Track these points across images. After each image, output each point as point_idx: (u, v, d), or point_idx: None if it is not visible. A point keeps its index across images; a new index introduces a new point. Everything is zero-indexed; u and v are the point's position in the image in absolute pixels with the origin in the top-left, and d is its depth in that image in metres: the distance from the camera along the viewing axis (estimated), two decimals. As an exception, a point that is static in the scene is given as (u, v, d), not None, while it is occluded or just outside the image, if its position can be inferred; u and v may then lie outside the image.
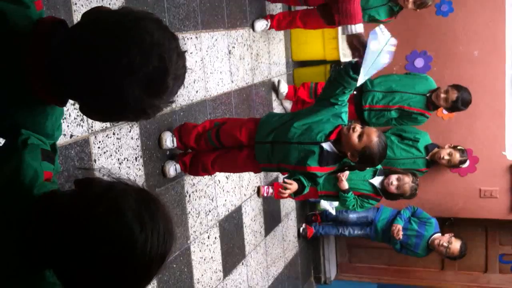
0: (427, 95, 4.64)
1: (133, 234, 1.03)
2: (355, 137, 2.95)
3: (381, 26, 3.04)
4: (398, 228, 5.03)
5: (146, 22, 1.10)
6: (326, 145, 3.04)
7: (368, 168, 4.06)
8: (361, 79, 2.93)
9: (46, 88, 1.16)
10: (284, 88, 5.13)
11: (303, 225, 5.86)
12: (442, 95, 4.56)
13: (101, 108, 1.14)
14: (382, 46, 2.94)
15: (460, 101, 4.57)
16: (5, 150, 1.21)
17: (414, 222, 5.10)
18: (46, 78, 1.14)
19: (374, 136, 2.96)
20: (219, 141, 3.39)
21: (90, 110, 1.17)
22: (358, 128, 2.98)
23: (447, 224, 5.96)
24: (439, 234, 5.02)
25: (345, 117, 3.13)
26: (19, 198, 1.12)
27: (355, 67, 2.95)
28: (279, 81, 5.12)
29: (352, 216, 5.49)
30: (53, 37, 1.14)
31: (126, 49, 1.05)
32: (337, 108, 3.11)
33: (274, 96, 5.14)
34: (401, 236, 5.00)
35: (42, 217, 1.07)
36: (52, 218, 1.06)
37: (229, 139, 3.35)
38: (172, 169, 3.51)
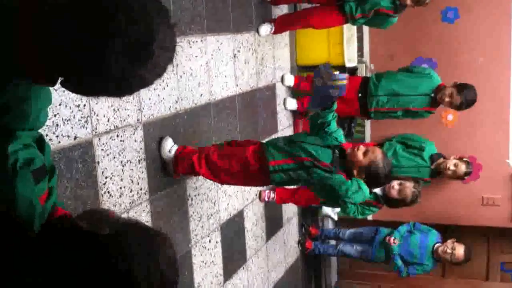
0: (431, 95, 4.61)
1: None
2: (360, 153, 3.02)
3: (326, 65, 3.22)
4: (394, 237, 5.02)
5: None
6: (337, 153, 3.10)
7: None
8: (312, 109, 3.13)
9: (34, 59, 1.08)
10: (289, 81, 5.15)
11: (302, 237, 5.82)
12: (447, 99, 4.49)
13: (82, 75, 1.07)
14: (326, 81, 3.13)
15: (465, 104, 4.52)
16: None
17: (415, 235, 5.04)
18: (32, 47, 1.07)
19: (378, 152, 3.04)
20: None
21: (71, 80, 1.11)
22: (362, 147, 3.06)
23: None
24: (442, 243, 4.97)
25: (341, 138, 3.21)
26: (15, 238, 1.09)
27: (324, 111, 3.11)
28: (283, 76, 5.14)
29: (349, 231, 5.46)
30: (41, 6, 1.07)
31: (111, 11, 1.02)
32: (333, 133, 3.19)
33: (278, 101, 5.13)
34: (396, 242, 4.97)
35: (48, 257, 1.07)
36: (61, 259, 1.06)
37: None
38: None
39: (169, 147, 3.40)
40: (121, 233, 1.09)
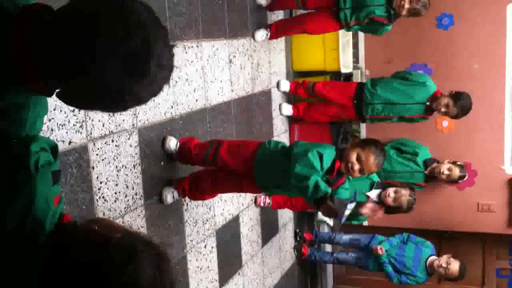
0: (427, 103, 4.62)
1: None
2: (356, 174, 3.07)
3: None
4: (380, 246, 4.99)
5: (135, 4, 1.08)
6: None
7: (364, 181, 4.15)
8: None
9: (32, 69, 1.12)
10: (284, 87, 5.16)
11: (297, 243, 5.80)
12: (443, 109, 4.52)
13: (78, 85, 1.10)
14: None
15: (461, 114, 4.55)
16: (15, 175, 1.13)
17: (410, 246, 5.01)
18: (32, 58, 1.11)
19: (372, 163, 3.05)
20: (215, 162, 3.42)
21: (68, 92, 1.14)
22: (356, 167, 3.04)
23: (446, 235, 5.95)
24: (436, 256, 4.92)
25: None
26: (31, 238, 1.11)
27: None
28: (278, 81, 5.16)
29: (345, 237, 5.44)
30: (40, 18, 1.11)
31: (109, 23, 1.03)
32: None
33: (273, 106, 5.14)
34: (382, 252, 4.94)
35: (57, 261, 1.08)
36: (73, 260, 1.07)
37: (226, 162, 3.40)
38: (170, 196, 3.49)
39: (173, 147, 3.49)
40: (131, 240, 1.11)
